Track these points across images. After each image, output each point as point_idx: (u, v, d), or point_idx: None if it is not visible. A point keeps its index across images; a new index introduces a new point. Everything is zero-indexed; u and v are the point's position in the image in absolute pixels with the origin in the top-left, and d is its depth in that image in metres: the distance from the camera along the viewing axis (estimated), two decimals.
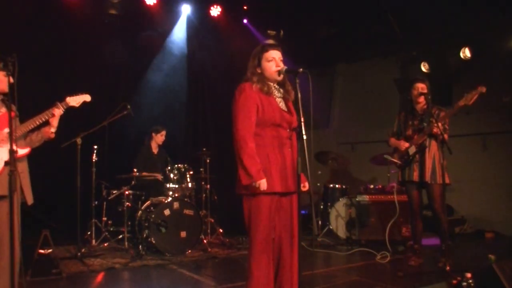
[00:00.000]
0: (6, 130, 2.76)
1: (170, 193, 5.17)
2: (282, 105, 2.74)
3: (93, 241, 5.37)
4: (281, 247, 2.71)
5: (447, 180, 4.15)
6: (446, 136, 4.10)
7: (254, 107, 2.60)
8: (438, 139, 4.19)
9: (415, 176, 4.30)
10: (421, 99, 4.37)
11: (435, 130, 4.10)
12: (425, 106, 4.36)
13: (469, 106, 4.07)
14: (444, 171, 4.12)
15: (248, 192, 2.61)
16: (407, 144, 4.37)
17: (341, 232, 5.98)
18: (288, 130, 2.70)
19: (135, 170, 5.44)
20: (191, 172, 5.34)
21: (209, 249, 5.14)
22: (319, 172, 7.02)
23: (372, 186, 6.12)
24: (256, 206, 2.61)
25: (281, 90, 2.80)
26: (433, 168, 4.23)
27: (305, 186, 2.73)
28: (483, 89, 3.98)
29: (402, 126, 4.52)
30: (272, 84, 2.76)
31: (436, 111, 4.30)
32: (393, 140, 4.57)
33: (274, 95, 2.74)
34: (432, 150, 4.26)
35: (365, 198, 5.83)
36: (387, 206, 5.64)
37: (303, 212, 6.92)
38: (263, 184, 2.51)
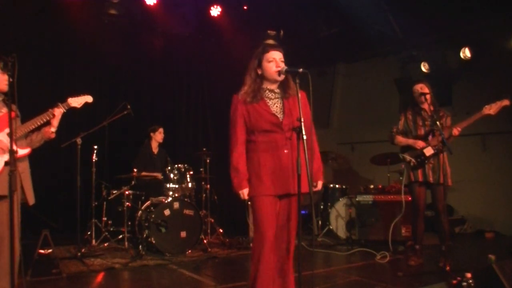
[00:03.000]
0: (7, 130, 2.76)
1: (170, 193, 5.17)
2: (275, 108, 2.70)
3: (93, 241, 5.36)
4: (278, 247, 2.70)
5: (450, 181, 4.22)
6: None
7: (241, 118, 2.71)
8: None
9: (430, 176, 4.24)
10: (424, 98, 4.34)
11: (455, 132, 4.07)
12: (432, 107, 4.29)
13: (492, 115, 4.09)
14: (449, 172, 4.16)
15: (250, 194, 2.69)
16: (424, 144, 4.29)
17: (341, 232, 5.98)
18: (284, 132, 2.67)
19: (135, 170, 5.45)
20: (191, 172, 5.34)
21: (209, 249, 5.14)
22: None
23: (372, 186, 6.12)
24: (256, 207, 2.67)
25: (279, 91, 2.76)
26: (444, 169, 4.18)
27: (317, 186, 2.82)
28: (507, 103, 4.01)
29: (411, 126, 4.44)
30: (266, 87, 2.74)
31: (444, 115, 4.30)
32: (402, 139, 4.43)
33: (267, 98, 2.71)
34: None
35: (365, 198, 5.84)
36: (387, 206, 5.64)
37: (303, 212, 6.92)
38: (243, 194, 2.67)
